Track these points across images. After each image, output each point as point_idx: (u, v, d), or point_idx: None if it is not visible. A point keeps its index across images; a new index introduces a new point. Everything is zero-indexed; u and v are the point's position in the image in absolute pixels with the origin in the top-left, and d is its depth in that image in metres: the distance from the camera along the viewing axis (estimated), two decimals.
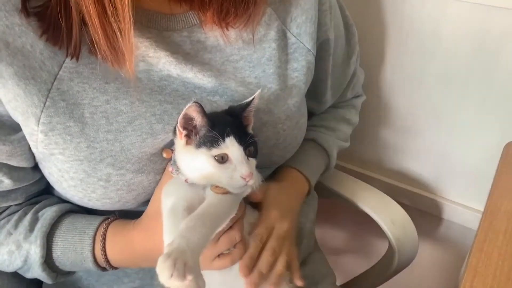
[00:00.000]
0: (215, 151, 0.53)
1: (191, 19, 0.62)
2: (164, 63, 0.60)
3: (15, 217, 0.64)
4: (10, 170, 0.60)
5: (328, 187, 0.92)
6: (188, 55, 0.62)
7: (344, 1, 0.83)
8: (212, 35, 0.63)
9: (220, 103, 0.62)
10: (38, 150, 0.58)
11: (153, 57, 0.59)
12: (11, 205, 0.65)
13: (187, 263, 0.44)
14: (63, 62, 0.56)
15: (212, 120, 0.54)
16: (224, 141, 0.53)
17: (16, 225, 0.63)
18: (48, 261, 0.62)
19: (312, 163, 0.78)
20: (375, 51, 0.97)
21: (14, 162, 0.59)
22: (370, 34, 0.84)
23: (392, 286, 0.96)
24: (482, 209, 0.67)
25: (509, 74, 0.86)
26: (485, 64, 0.87)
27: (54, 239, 0.62)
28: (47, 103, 0.55)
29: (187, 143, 0.55)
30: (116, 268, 0.64)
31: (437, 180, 1.07)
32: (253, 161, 0.55)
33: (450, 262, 1.16)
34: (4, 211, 0.65)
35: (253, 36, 0.64)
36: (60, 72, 0.56)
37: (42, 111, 0.55)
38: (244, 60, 0.64)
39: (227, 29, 0.62)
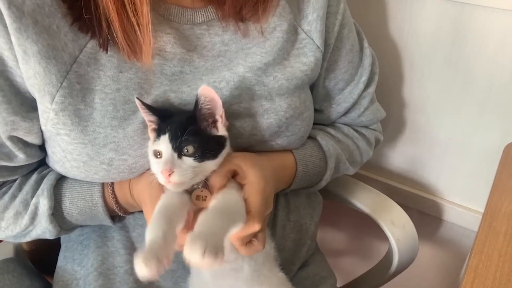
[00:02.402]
0: (153, 146, 0.57)
1: (210, 13, 0.65)
2: (179, 60, 0.62)
3: (17, 181, 0.66)
4: (24, 145, 0.62)
5: (328, 189, 0.92)
6: (204, 49, 0.64)
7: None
8: (229, 29, 0.66)
9: (225, 91, 0.64)
10: (47, 128, 0.60)
11: (169, 52, 0.62)
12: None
13: (216, 243, 0.46)
14: (84, 47, 0.58)
15: (164, 117, 0.57)
16: (159, 138, 0.56)
17: (20, 188, 0.65)
18: (55, 213, 0.64)
19: (306, 152, 0.75)
20: (374, 52, 0.97)
21: (29, 139, 0.62)
22: (369, 35, 0.84)
23: (392, 287, 0.96)
24: (482, 210, 0.67)
25: (509, 75, 0.86)
26: (485, 66, 0.88)
27: (61, 191, 0.65)
28: (64, 83, 0.57)
29: (152, 138, 0.59)
30: (123, 211, 0.67)
31: (437, 181, 1.07)
32: (187, 160, 0.55)
33: (450, 263, 1.16)
34: (4, 182, 0.67)
35: (261, 27, 0.66)
36: (80, 56, 0.58)
37: (58, 91, 0.57)
38: (257, 46, 0.67)
39: (242, 21, 0.65)
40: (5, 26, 0.54)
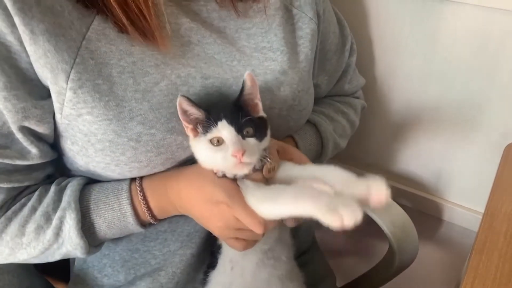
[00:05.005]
0: (209, 135, 0.57)
1: None
2: (185, 29, 0.63)
3: (37, 193, 0.62)
4: (36, 139, 0.59)
5: None
6: (205, 23, 0.66)
7: (344, 3, 0.83)
8: (225, 5, 0.67)
9: (239, 68, 0.65)
10: (64, 113, 0.58)
11: (174, 23, 0.63)
12: (30, 185, 0.63)
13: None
14: (91, 24, 0.58)
15: (208, 109, 0.57)
16: (216, 125, 0.56)
17: (40, 199, 0.61)
18: (82, 228, 0.60)
19: (307, 142, 0.78)
20: (375, 53, 0.97)
21: (41, 129, 0.59)
22: (369, 35, 0.84)
23: (392, 287, 0.96)
24: (482, 210, 0.67)
25: (509, 75, 0.86)
26: (485, 66, 0.87)
27: (85, 203, 0.61)
28: (77, 59, 0.56)
29: (194, 136, 0.58)
30: (157, 221, 0.64)
31: (437, 181, 1.07)
32: (251, 140, 0.57)
33: (450, 263, 1.16)
34: (22, 191, 0.63)
35: (265, 2, 0.69)
36: (88, 33, 0.57)
37: (72, 67, 0.56)
38: (256, 26, 0.69)
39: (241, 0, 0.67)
40: (5, 9, 0.52)
